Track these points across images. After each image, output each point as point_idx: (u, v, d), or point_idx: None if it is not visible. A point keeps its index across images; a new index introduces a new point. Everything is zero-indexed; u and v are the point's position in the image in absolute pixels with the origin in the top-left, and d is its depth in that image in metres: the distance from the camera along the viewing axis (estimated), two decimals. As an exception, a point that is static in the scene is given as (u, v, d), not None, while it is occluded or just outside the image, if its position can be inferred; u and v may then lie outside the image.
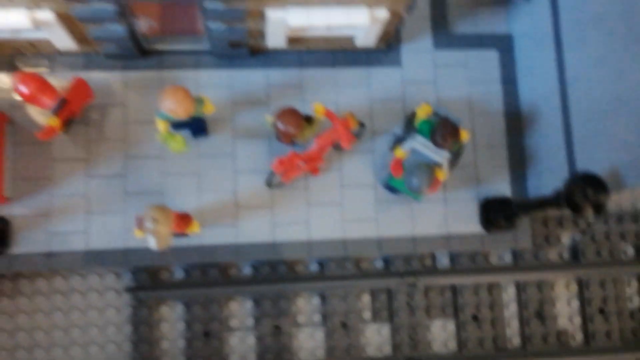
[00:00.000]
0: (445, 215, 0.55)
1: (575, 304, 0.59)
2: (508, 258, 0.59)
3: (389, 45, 0.55)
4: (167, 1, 0.42)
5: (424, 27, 0.57)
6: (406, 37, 0.56)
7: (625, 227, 0.60)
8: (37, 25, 0.44)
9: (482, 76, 0.57)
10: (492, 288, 0.58)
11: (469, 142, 0.55)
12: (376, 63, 0.56)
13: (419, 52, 0.56)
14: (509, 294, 0.59)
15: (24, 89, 0.44)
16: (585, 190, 0.39)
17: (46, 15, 0.44)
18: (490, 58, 0.57)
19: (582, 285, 0.59)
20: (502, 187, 0.56)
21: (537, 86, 0.53)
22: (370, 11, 0.46)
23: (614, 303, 0.59)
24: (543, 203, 0.45)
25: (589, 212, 0.40)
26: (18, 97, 0.46)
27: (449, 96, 0.56)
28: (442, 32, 0.57)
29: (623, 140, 0.43)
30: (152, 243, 0.44)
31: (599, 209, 0.40)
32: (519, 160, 0.56)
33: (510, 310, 0.59)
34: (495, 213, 0.53)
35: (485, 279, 0.57)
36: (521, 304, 0.58)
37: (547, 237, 0.59)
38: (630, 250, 0.61)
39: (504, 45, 0.57)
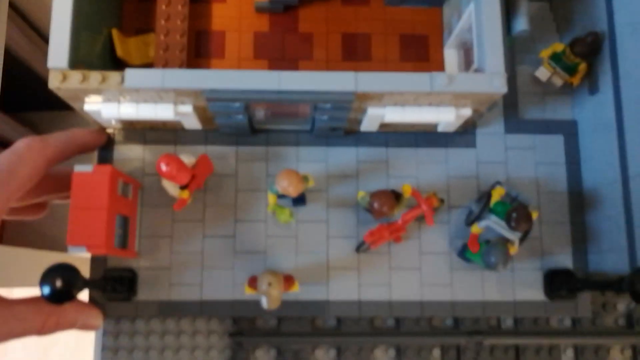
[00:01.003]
0: (513, 283, 0.61)
1: (629, 367, 0.65)
2: (568, 322, 0.65)
3: (465, 129, 0.62)
4: (287, 103, 0.51)
5: (497, 113, 0.64)
6: (480, 122, 0.63)
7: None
8: (178, 115, 0.53)
9: (548, 158, 0.63)
10: (552, 350, 0.64)
11: (537, 218, 0.61)
12: (453, 144, 0.63)
13: (492, 136, 0.63)
14: (568, 356, 0.65)
15: (165, 169, 0.53)
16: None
17: (187, 108, 0.52)
18: (556, 142, 0.64)
19: (636, 351, 0.65)
20: (565, 260, 0.62)
21: (599, 171, 0.59)
22: (456, 110, 0.54)
23: (665, 369, 0.64)
24: (605, 285, 0.52)
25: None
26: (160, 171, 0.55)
27: (518, 176, 0.63)
28: (513, 118, 0.64)
29: None
30: (265, 303, 0.52)
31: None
32: (581, 236, 0.62)
33: (569, 371, 0.65)
34: (558, 284, 0.60)
35: (546, 341, 0.63)
36: (578, 365, 0.64)
37: (604, 304, 0.65)
38: (682, 319, 0.67)
39: (569, 131, 0.64)
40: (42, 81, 0.53)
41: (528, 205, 0.58)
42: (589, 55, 0.59)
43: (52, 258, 1.48)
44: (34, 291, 0.50)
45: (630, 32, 0.55)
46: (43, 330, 0.51)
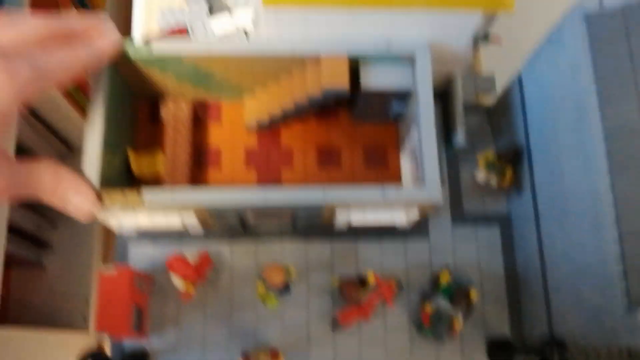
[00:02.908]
0: (462, 351, 0.73)
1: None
2: (512, 384, 0.77)
3: (419, 223, 0.76)
4: (271, 212, 0.64)
5: (445, 209, 0.78)
6: (432, 218, 0.77)
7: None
8: (184, 225, 0.66)
9: (487, 245, 0.77)
10: (499, 407, 0.76)
11: (479, 295, 0.74)
12: (410, 236, 0.77)
13: (441, 228, 0.77)
14: (513, 413, 0.77)
15: (175, 269, 0.66)
16: (552, 353, 0.58)
17: (191, 218, 0.66)
18: (494, 232, 0.77)
19: (570, 407, 0.76)
20: (504, 330, 0.74)
21: (525, 256, 0.73)
22: (406, 213, 0.68)
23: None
24: (530, 350, 0.65)
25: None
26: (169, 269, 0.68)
27: (463, 262, 0.76)
28: (458, 212, 0.78)
29: (589, 303, 0.62)
30: (256, 375, 0.64)
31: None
32: (516, 310, 0.75)
33: None
34: (498, 351, 0.72)
35: (494, 400, 0.75)
36: (523, 421, 0.76)
37: (542, 367, 0.77)
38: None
39: (504, 222, 0.78)
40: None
41: (469, 287, 0.71)
42: (512, 163, 0.74)
43: (53, 339, 1.57)
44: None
45: (540, 149, 0.70)
46: (48, 190, 0.52)
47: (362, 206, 0.66)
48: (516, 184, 0.76)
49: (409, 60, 0.69)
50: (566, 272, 0.63)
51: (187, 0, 0.85)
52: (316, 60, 0.69)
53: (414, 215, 0.68)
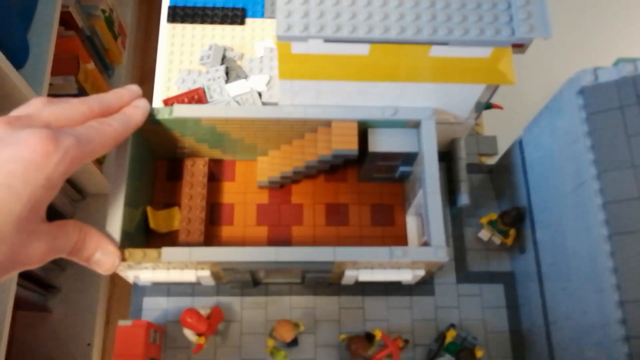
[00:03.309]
0: (468, 409, 0.74)
1: None
2: None
3: (425, 280, 0.78)
4: (280, 269, 0.67)
5: (450, 267, 0.80)
6: (437, 274, 0.80)
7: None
8: (198, 279, 0.69)
9: (492, 303, 0.79)
10: None
11: (484, 353, 0.76)
12: (416, 293, 0.79)
13: (446, 285, 0.79)
14: None
15: (188, 321, 0.68)
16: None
17: (205, 273, 0.68)
18: (498, 290, 0.79)
19: None
20: (510, 389, 0.75)
21: (530, 315, 0.75)
22: (412, 271, 0.70)
23: None
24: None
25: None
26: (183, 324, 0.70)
27: (468, 318, 0.78)
28: (463, 271, 0.80)
29: None
30: None
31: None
32: (520, 368, 0.76)
33: None
34: (503, 409, 0.73)
35: None
36: None
37: None
38: None
39: (508, 280, 0.80)
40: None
41: (474, 345, 0.73)
42: (514, 224, 0.77)
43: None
44: None
45: (541, 210, 0.73)
46: (75, 249, 0.55)
47: (370, 266, 0.69)
48: (519, 244, 0.78)
49: (415, 126, 0.73)
50: (569, 332, 0.65)
51: (206, 65, 0.90)
52: (327, 124, 0.73)
53: (420, 273, 0.71)
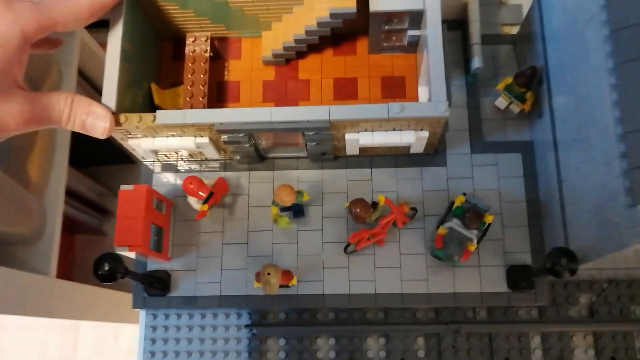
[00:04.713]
0: (480, 277, 0.72)
1: (591, 352, 0.73)
2: (535, 313, 0.75)
3: (437, 151, 0.75)
4: (280, 131, 0.65)
5: (464, 137, 0.76)
6: (450, 145, 0.76)
7: (634, 290, 0.74)
8: (197, 145, 0.68)
9: (508, 173, 0.75)
10: (521, 337, 0.74)
11: (498, 222, 0.73)
12: (427, 164, 0.76)
13: (460, 156, 0.76)
14: (535, 342, 0.74)
15: (189, 186, 0.69)
16: (560, 261, 0.56)
17: (204, 139, 0.68)
18: (515, 159, 0.75)
19: (596, 337, 0.73)
20: (525, 257, 0.72)
21: (547, 181, 0.71)
22: (416, 133, 0.67)
23: (624, 353, 0.72)
24: (538, 272, 0.63)
25: (567, 276, 0.56)
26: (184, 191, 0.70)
27: (483, 188, 0.75)
28: (478, 140, 0.76)
29: (596, 207, 0.59)
30: (264, 289, 0.66)
31: (573, 272, 0.56)
32: (538, 237, 0.72)
33: (537, 356, 0.74)
34: (517, 277, 0.70)
35: (515, 329, 0.73)
36: (545, 351, 0.73)
37: (567, 297, 0.75)
38: (638, 310, 0.75)
39: (526, 149, 0.75)
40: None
41: (486, 210, 0.70)
42: (529, 85, 0.71)
43: (113, 295, 1.67)
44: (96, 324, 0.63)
45: (557, 69, 0.68)
46: (66, 117, 0.58)
47: (368, 125, 0.66)
48: (537, 109, 0.73)
49: (419, -19, 0.69)
50: (579, 185, 0.61)
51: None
52: (323, -16, 0.69)
53: (424, 135, 0.68)
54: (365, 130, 0.68)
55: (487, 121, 0.78)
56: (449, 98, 0.64)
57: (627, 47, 0.52)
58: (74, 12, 0.57)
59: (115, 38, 0.68)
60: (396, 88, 0.79)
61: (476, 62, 0.74)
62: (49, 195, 1.41)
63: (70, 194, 1.66)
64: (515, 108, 0.76)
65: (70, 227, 1.76)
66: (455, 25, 0.81)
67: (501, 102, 0.76)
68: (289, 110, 0.65)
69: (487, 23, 0.83)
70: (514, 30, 0.84)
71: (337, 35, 0.79)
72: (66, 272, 1.79)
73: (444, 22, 0.69)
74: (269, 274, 0.66)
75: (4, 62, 0.52)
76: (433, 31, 0.66)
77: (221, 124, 0.65)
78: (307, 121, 0.64)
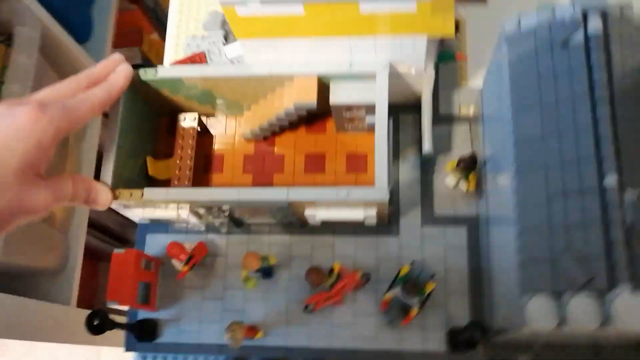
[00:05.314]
0: (424, 337, 0.81)
1: (524, 410, 0.82)
2: (475, 372, 0.83)
3: (391, 222, 0.85)
4: (254, 207, 0.76)
5: (416, 211, 0.86)
6: (403, 217, 0.86)
7: (568, 354, 0.82)
8: (179, 215, 0.80)
9: (454, 244, 0.84)
10: (461, 393, 0.83)
11: (443, 289, 0.82)
12: (382, 233, 0.86)
13: (412, 227, 0.85)
14: (473, 398, 0.83)
15: (172, 251, 0.80)
16: (473, 334, 0.66)
17: (185, 211, 0.80)
18: (461, 232, 0.84)
19: (528, 397, 0.81)
20: (465, 322, 0.81)
21: (484, 255, 0.80)
22: (364, 210, 0.77)
23: (552, 413, 0.80)
24: (459, 341, 0.72)
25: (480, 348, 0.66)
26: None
27: (431, 257, 0.84)
28: (428, 214, 0.86)
29: (506, 291, 0.68)
30: (229, 343, 0.77)
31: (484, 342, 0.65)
32: (478, 305, 0.81)
33: (475, 411, 0.83)
34: (455, 338, 0.79)
35: (455, 385, 0.82)
36: (482, 407, 0.82)
37: (505, 359, 0.83)
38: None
39: (472, 223, 0.84)
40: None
41: (430, 277, 0.79)
42: (470, 169, 0.81)
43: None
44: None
45: (487, 154, 0.77)
46: (73, 195, 0.68)
47: (322, 205, 0.77)
48: (479, 188, 0.82)
49: (373, 78, 0.79)
50: (498, 265, 0.70)
51: (208, 30, 1.01)
52: (291, 80, 0.81)
53: (372, 213, 0.78)
54: (322, 208, 0.79)
55: (439, 197, 0.87)
56: (390, 183, 0.74)
57: (525, 158, 0.62)
58: (94, 108, 0.68)
59: (116, 117, 0.80)
60: (359, 164, 0.89)
61: (426, 147, 0.84)
62: (72, 231, 1.55)
63: (94, 225, 1.81)
64: (464, 186, 0.85)
65: (94, 255, 1.91)
66: (414, 109, 0.91)
67: (450, 181, 0.86)
68: (254, 191, 0.76)
69: (446, 103, 0.93)
70: (471, 110, 0.93)
71: (311, 115, 0.90)
72: (90, 298, 1.94)
73: (403, 107, 0.79)
74: (233, 330, 0.77)
75: (37, 159, 0.60)
76: (380, 126, 0.76)
77: (195, 201, 0.77)
78: (269, 201, 0.76)
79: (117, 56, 0.77)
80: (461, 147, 0.90)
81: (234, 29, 0.73)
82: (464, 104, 0.94)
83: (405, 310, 0.78)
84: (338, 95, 0.81)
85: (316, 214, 0.79)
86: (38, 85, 1.36)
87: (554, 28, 0.62)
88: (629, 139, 0.55)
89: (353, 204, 0.77)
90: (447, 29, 0.70)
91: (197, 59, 0.99)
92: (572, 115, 0.57)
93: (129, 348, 0.87)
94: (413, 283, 0.76)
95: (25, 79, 1.33)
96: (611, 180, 0.53)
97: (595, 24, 0.58)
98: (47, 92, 0.68)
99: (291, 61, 0.80)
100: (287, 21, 0.72)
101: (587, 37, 0.59)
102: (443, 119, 0.92)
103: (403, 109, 0.92)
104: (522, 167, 0.61)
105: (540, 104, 0.61)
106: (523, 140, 0.61)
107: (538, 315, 0.55)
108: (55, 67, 1.49)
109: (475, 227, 0.84)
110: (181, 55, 1.02)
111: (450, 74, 0.94)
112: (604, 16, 0.59)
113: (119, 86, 0.75)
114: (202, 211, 0.81)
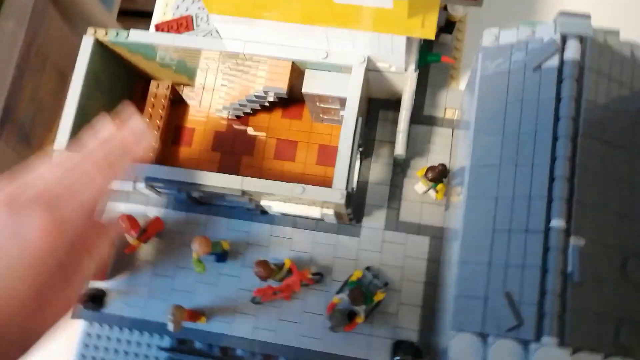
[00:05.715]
0: (368, 345, 0.79)
1: None
2: (417, 386, 0.81)
3: (352, 223, 0.82)
4: (211, 192, 0.74)
5: (381, 214, 0.83)
6: (367, 218, 0.83)
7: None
8: (135, 188, 0.78)
9: (414, 254, 0.81)
10: (400, 405, 0.81)
11: (395, 297, 0.79)
12: (343, 232, 0.83)
13: (373, 230, 0.82)
14: (411, 412, 0.81)
15: (122, 225, 0.78)
16: (405, 357, 0.63)
17: (141, 185, 0.77)
18: (423, 242, 0.81)
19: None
20: (412, 335, 0.78)
21: (441, 269, 0.77)
22: (321, 209, 0.74)
23: None
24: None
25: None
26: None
27: (389, 263, 0.81)
28: (393, 219, 0.82)
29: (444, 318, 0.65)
30: (170, 326, 0.75)
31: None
32: (428, 320, 0.78)
33: None
34: (400, 351, 0.77)
35: (395, 397, 0.80)
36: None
37: (450, 377, 0.81)
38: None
39: (435, 234, 0.81)
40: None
41: (384, 284, 0.76)
42: (438, 180, 0.77)
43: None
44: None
45: (456, 170, 0.73)
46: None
47: (283, 199, 0.74)
48: (446, 202, 0.79)
49: (349, 72, 0.75)
50: (447, 287, 0.67)
51: (197, -6, 0.96)
52: (265, 62, 0.77)
53: (329, 212, 0.75)
54: (279, 200, 0.76)
55: (407, 202, 0.83)
56: (350, 186, 0.70)
57: (479, 185, 0.58)
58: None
59: (80, 71, 0.78)
60: (330, 157, 0.86)
61: (398, 149, 0.79)
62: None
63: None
64: (433, 194, 0.81)
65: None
66: (396, 105, 0.87)
67: (420, 187, 0.82)
68: (210, 176, 0.73)
69: (432, 104, 0.88)
70: (456, 115, 0.89)
71: (289, 99, 0.86)
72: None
73: (384, 102, 0.75)
74: (173, 314, 0.75)
75: (51, 277, 0.46)
76: (347, 126, 0.72)
77: (148, 177, 0.74)
78: (222, 188, 0.73)
79: (137, 125, 0.55)
80: (440, 152, 0.86)
81: (206, 4, 0.69)
82: (450, 107, 0.89)
83: (350, 316, 0.75)
84: (310, 85, 0.77)
85: (271, 206, 0.76)
86: (36, 23, 1.32)
87: (531, 48, 0.57)
88: (586, 183, 0.51)
89: (310, 202, 0.74)
90: (427, 31, 0.65)
91: (184, 22, 0.96)
92: (532, 148, 0.53)
93: (74, 315, 0.86)
94: (361, 290, 0.73)
95: (21, 15, 1.29)
96: (557, 223, 0.49)
97: (572, 51, 0.53)
98: (55, 179, 0.47)
99: (266, 43, 0.76)
100: (260, 2, 0.67)
101: (562, 63, 0.54)
102: (426, 120, 0.87)
103: (384, 105, 0.87)
104: (475, 192, 0.57)
105: (502, 130, 0.57)
106: (480, 164, 0.57)
107: (461, 352, 0.53)
108: (57, 5, 1.45)
109: (439, 238, 0.81)
110: (169, 17, 0.98)
111: (441, 74, 0.90)
112: (585, 42, 0.54)
113: (139, 156, 0.54)
114: (157, 188, 0.79)
